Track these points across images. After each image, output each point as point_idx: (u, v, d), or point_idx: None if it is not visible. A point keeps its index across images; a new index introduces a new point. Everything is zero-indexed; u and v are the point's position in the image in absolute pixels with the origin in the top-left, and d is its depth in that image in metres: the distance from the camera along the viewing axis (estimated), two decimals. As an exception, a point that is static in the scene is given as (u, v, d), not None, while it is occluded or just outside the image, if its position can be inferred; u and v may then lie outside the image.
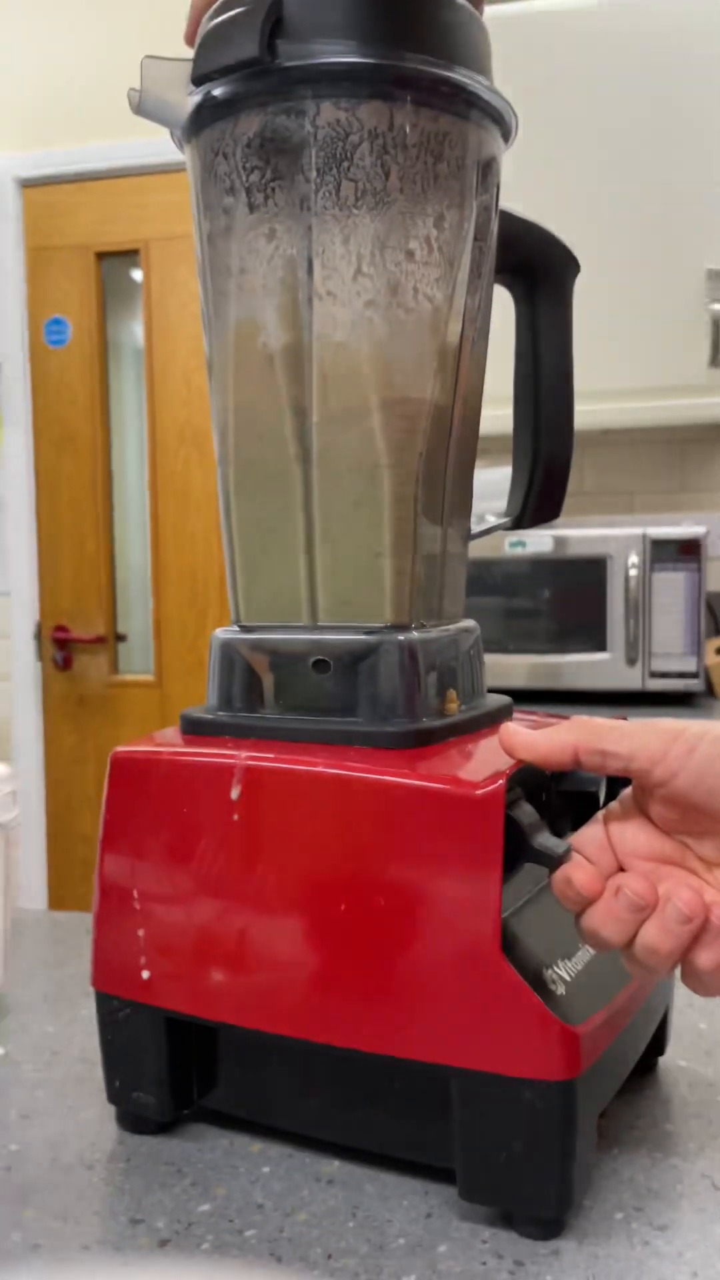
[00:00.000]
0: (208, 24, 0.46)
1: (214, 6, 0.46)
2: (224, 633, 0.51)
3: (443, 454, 0.50)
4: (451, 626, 0.51)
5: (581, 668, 1.83)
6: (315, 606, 0.49)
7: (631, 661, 1.80)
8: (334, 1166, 0.46)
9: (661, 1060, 0.55)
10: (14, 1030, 0.60)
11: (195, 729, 0.50)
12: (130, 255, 2.55)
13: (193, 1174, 0.46)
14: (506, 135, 0.50)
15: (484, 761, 0.44)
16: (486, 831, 0.41)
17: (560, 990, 0.41)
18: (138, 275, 2.58)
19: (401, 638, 0.47)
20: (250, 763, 0.45)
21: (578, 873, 0.39)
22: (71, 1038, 0.59)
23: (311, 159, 0.45)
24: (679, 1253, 0.40)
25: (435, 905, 0.41)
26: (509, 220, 0.54)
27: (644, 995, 0.47)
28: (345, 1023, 0.43)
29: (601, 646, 1.82)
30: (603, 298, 1.91)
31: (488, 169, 0.49)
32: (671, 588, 1.79)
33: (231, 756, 0.46)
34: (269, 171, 0.46)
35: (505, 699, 0.54)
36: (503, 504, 0.58)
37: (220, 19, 0.45)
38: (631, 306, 1.91)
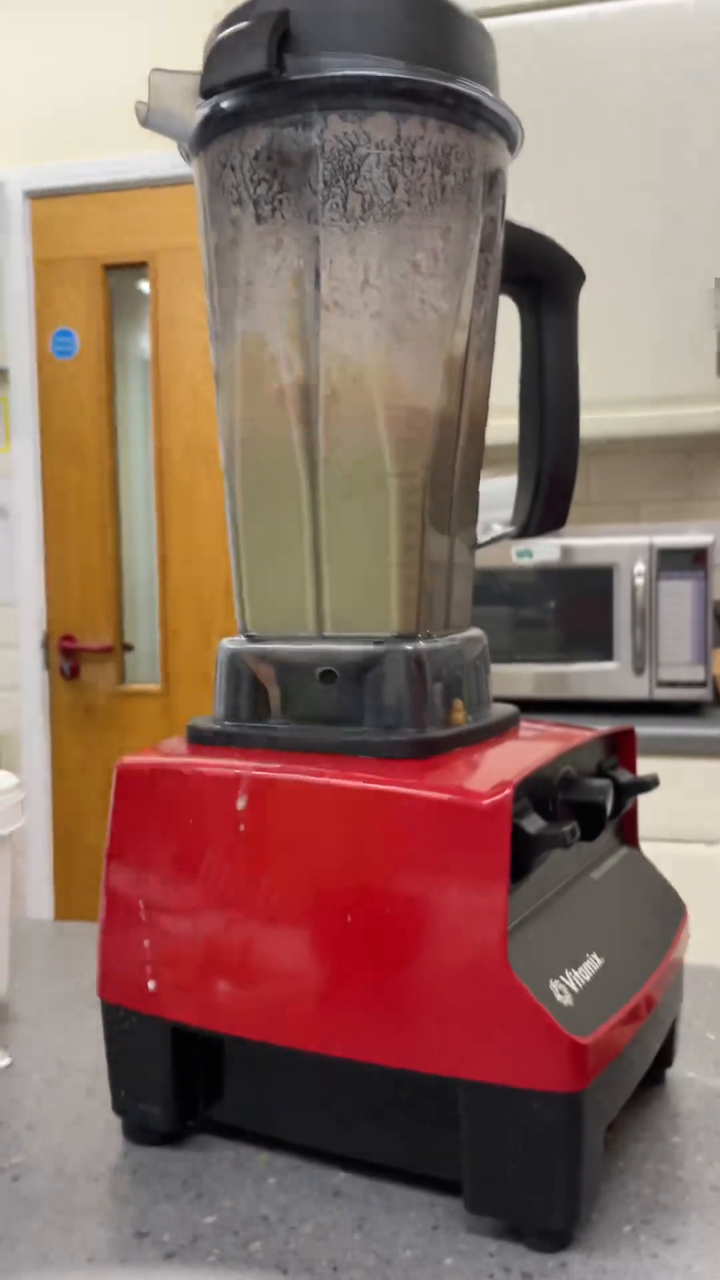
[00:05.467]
0: (216, 37, 0.46)
1: (222, 19, 0.46)
2: (230, 643, 0.51)
3: (449, 463, 0.50)
4: (458, 636, 0.51)
5: (588, 677, 1.83)
6: (322, 616, 0.49)
7: (639, 671, 1.80)
8: (340, 1178, 0.46)
9: (669, 1072, 0.55)
10: (20, 1040, 0.60)
11: (201, 739, 0.50)
12: (138, 267, 2.57)
13: (198, 1186, 0.45)
14: (512, 146, 0.50)
15: (491, 771, 0.44)
16: (494, 842, 0.41)
17: (567, 1001, 0.41)
18: (145, 287, 2.59)
19: (408, 648, 0.47)
20: (256, 773, 0.45)
21: None
22: (78, 1048, 0.59)
23: (319, 171, 0.46)
24: (688, 1265, 0.40)
25: (442, 916, 0.41)
26: (514, 231, 0.54)
27: (651, 1006, 0.47)
28: (351, 1034, 0.43)
29: (608, 656, 1.82)
30: (609, 307, 1.92)
31: (494, 180, 0.49)
32: (679, 597, 1.78)
33: (238, 767, 0.46)
34: (276, 184, 0.46)
35: (512, 709, 0.54)
36: (509, 513, 0.59)
37: (228, 32, 0.45)
38: (637, 316, 1.92)
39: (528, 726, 0.54)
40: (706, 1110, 0.51)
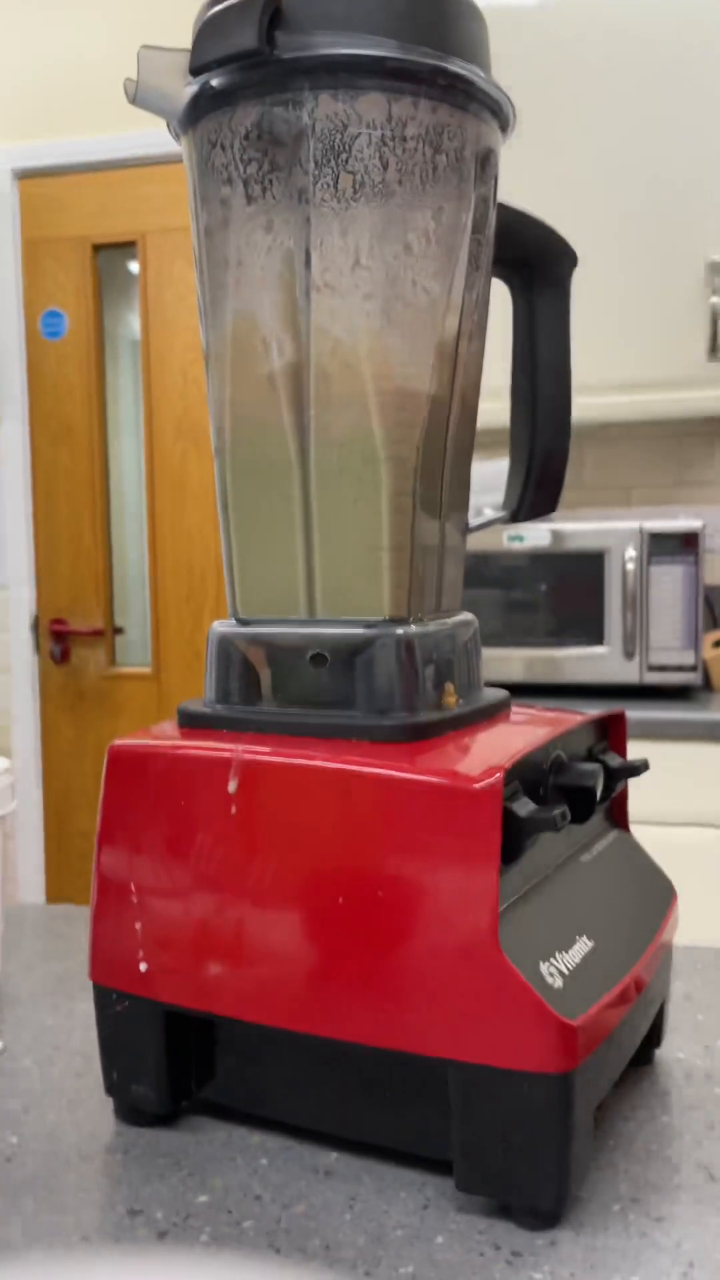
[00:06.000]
0: (205, 14, 0.46)
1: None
2: (221, 626, 0.51)
3: (440, 447, 0.50)
4: (449, 620, 0.51)
5: (579, 661, 1.83)
6: (313, 600, 0.49)
7: (629, 655, 1.81)
8: (332, 1158, 0.46)
9: (659, 1052, 0.56)
10: (13, 1023, 0.61)
11: (193, 722, 0.50)
12: (127, 247, 2.55)
13: (191, 1166, 0.46)
14: (504, 127, 0.50)
15: (482, 755, 0.44)
16: (484, 824, 0.41)
17: (557, 983, 0.41)
18: (134, 267, 2.57)
19: (399, 631, 0.47)
20: (247, 756, 0.45)
21: None
22: (70, 1030, 0.60)
23: (309, 151, 0.45)
24: (676, 1244, 0.40)
25: (433, 898, 0.41)
26: (507, 213, 0.54)
27: (641, 987, 0.47)
28: (343, 1015, 0.43)
29: (599, 640, 1.82)
30: (601, 290, 1.91)
31: (486, 161, 0.49)
32: (669, 581, 1.79)
33: (229, 750, 0.46)
34: (267, 163, 0.46)
35: (503, 692, 0.54)
36: (500, 497, 0.58)
37: (218, 8, 0.45)
38: (630, 299, 1.91)
39: (518, 710, 0.54)
40: (695, 1090, 0.52)
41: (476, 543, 1.87)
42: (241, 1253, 0.40)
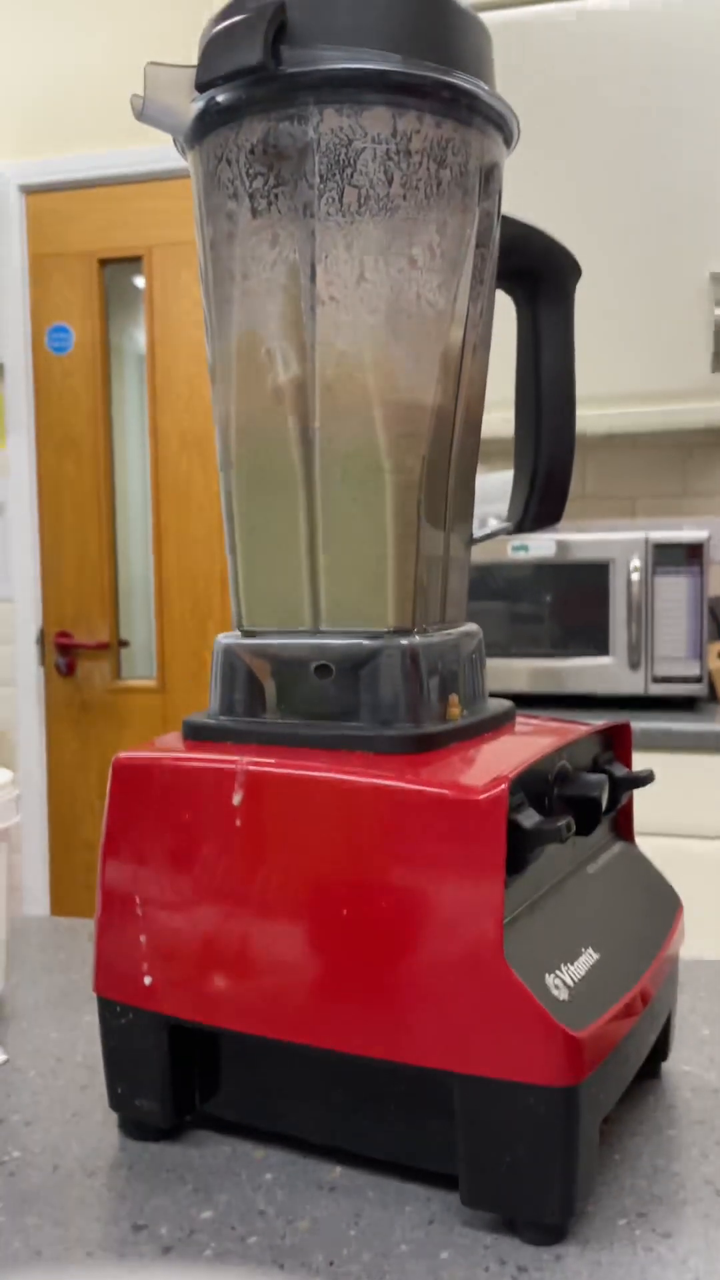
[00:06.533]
0: (211, 30, 0.46)
1: (217, 12, 0.46)
2: (226, 638, 0.51)
3: (445, 458, 0.50)
4: (454, 631, 0.51)
5: (584, 672, 1.83)
6: (317, 611, 0.49)
7: (634, 666, 1.80)
8: (336, 1173, 0.46)
9: (665, 1065, 0.55)
10: (16, 1036, 0.60)
11: (198, 734, 0.50)
12: (133, 262, 2.56)
13: (195, 1180, 0.46)
14: (509, 140, 0.50)
15: (486, 766, 0.44)
16: (489, 836, 0.41)
17: (563, 996, 0.41)
18: (140, 282, 2.58)
19: (404, 642, 0.47)
20: (252, 768, 0.45)
21: None
22: (74, 1044, 0.59)
23: (314, 165, 0.46)
24: (682, 1259, 0.40)
25: (438, 910, 0.41)
26: (511, 225, 0.54)
27: (647, 1000, 0.47)
28: (348, 1028, 0.43)
29: (604, 651, 1.82)
30: (605, 302, 1.92)
31: (490, 174, 0.49)
32: (674, 592, 1.79)
33: (234, 762, 0.46)
34: (272, 178, 0.46)
35: (508, 703, 0.54)
36: (505, 508, 0.59)
37: (223, 25, 0.45)
38: (633, 311, 1.91)
39: (523, 721, 0.54)
40: (701, 1104, 0.51)
41: (481, 553, 1.87)
42: (246, 1268, 0.40)
